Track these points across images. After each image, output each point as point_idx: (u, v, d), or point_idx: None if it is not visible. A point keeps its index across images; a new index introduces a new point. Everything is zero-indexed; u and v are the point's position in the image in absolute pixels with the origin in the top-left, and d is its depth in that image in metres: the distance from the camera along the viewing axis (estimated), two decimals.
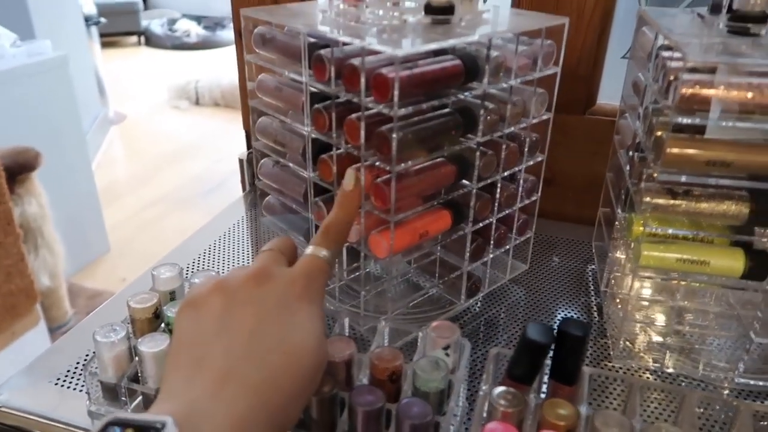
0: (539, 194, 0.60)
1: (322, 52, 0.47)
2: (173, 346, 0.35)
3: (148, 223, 2.49)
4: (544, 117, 0.56)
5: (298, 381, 0.34)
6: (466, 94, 0.49)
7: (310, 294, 0.36)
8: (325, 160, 0.50)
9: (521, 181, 0.57)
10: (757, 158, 0.43)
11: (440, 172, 0.50)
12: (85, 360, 0.53)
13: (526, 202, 0.59)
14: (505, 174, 0.55)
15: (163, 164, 3.05)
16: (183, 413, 0.30)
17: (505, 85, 0.50)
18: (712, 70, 0.43)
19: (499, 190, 0.55)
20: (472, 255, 0.56)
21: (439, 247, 0.58)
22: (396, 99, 0.41)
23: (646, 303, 0.58)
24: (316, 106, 0.49)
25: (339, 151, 0.50)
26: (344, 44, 0.45)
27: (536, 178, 0.60)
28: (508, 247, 0.61)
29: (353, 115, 0.46)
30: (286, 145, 0.54)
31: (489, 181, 0.53)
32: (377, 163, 0.46)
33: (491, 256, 0.59)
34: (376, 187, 0.47)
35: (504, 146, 0.53)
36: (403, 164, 0.45)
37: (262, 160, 0.59)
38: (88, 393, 0.47)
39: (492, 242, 0.58)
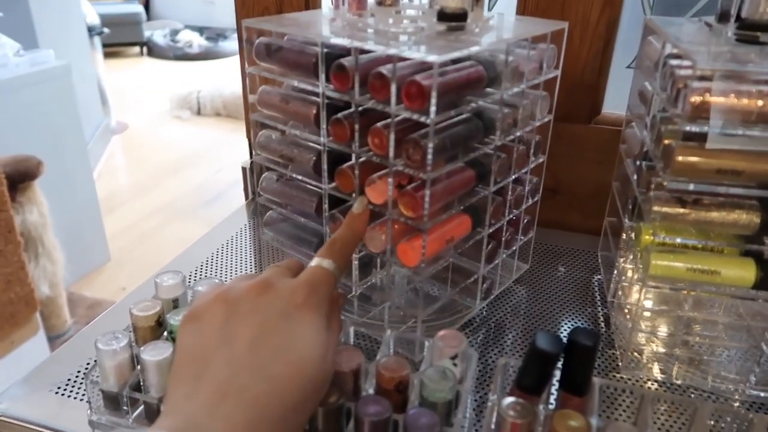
0: (540, 194, 0.62)
1: (344, 61, 0.46)
2: (176, 360, 0.35)
3: (149, 232, 2.48)
4: (546, 119, 0.58)
5: (302, 392, 0.33)
6: (485, 99, 0.49)
7: (313, 303, 0.36)
8: (345, 171, 0.49)
9: (527, 183, 0.59)
10: None
11: (463, 178, 0.50)
12: (86, 368, 0.52)
13: (530, 202, 0.61)
14: (515, 176, 0.56)
15: (164, 174, 3.04)
16: (181, 429, 0.30)
17: (516, 90, 0.51)
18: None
19: (510, 192, 0.56)
20: (488, 258, 0.57)
21: (453, 253, 0.58)
22: (434, 106, 0.41)
23: (654, 314, 0.58)
24: (336, 116, 0.48)
25: (360, 161, 0.49)
26: (363, 52, 0.45)
27: (538, 178, 0.62)
28: (515, 248, 0.62)
29: (379, 124, 0.45)
30: (293, 159, 0.54)
31: (502, 184, 0.54)
32: (407, 171, 0.45)
33: (503, 257, 0.60)
34: (407, 195, 0.46)
35: (516, 149, 0.54)
36: (435, 171, 0.45)
37: (264, 175, 0.59)
38: (89, 402, 0.46)
39: (503, 244, 0.59)
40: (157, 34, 5.36)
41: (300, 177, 0.54)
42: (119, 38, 4.97)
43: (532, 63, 0.52)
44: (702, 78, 0.43)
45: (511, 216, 0.58)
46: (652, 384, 0.52)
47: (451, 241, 0.51)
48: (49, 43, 2.23)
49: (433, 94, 0.41)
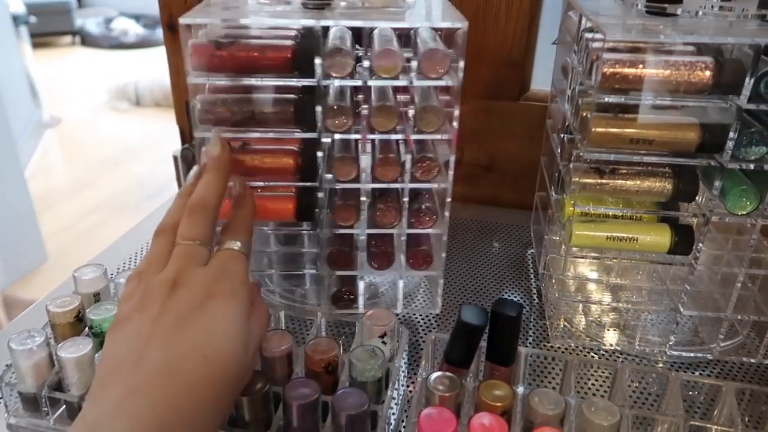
0: (447, 227, 0.51)
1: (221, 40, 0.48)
2: (97, 370, 0.33)
3: (88, 230, 2.39)
4: (444, 136, 0.47)
5: (219, 387, 0.32)
6: (325, 83, 0.46)
7: (227, 289, 0.34)
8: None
9: (405, 200, 0.50)
10: (677, 135, 0.44)
11: (277, 162, 0.49)
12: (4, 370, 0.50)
13: (421, 230, 0.52)
14: (382, 186, 0.50)
15: (103, 168, 2.93)
16: None
17: (332, 82, 0.46)
18: (632, 50, 0.44)
19: (381, 201, 0.51)
20: (331, 261, 0.53)
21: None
22: (189, 66, 0.46)
23: (582, 283, 0.59)
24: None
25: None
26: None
27: (433, 204, 0.52)
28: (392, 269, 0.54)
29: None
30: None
31: (350, 186, 0.50)
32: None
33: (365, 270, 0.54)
34: None
35: (362, 152, 0.50)
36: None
37: None
38: (6, 405, 0.44)
39: (370, 256, 0.53)
40: (90, 23, 5.11)
41: None
42: (49, 27, 4.72)
43: (390, 57, 0.44)
44: (613, 50, 0.44)
45: (373, 230, 0.52)
46: (581, 351, 0.53)
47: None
48: None
49: (188, 53, 0.45)
